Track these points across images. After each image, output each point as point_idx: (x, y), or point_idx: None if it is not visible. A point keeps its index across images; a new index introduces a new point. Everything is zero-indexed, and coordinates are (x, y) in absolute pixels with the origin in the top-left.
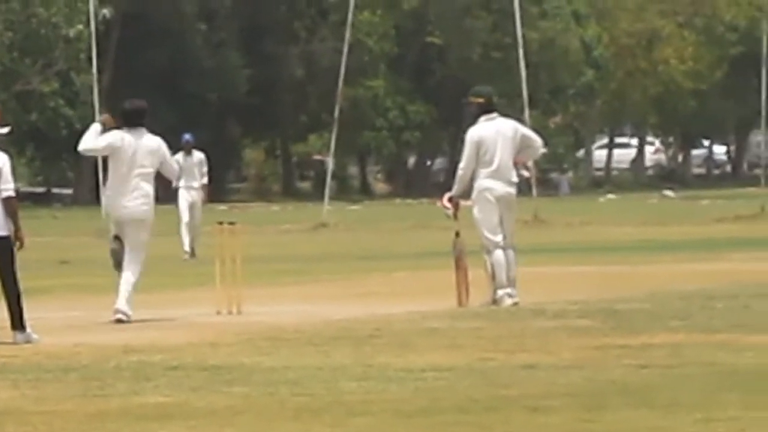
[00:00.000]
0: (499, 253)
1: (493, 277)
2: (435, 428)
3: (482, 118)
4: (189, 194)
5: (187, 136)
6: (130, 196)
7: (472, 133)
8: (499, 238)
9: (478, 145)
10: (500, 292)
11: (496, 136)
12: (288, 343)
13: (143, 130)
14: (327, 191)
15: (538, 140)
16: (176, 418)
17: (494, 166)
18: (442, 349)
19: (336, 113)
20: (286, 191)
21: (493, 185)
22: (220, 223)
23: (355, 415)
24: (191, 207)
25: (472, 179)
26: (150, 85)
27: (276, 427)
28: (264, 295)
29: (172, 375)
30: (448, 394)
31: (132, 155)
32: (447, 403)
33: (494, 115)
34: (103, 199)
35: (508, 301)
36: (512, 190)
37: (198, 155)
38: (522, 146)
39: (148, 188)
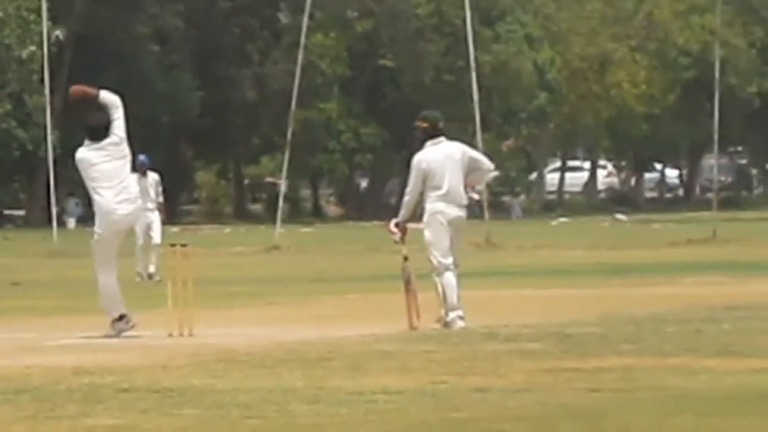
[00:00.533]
0: (449, 275)
1: (445, 299)
2: None
3: (428, 143)
4: (144, 215)
5: (142, 158)
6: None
7: (417, 159)
8: (449, 260)
9: (425, 171)
10: (452, 315)
11: (444, 160)
12: (239, 365)
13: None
14: (279, 213)
15: (486, 162)
16: None
17: (444, 190)
18: (394, 372)
19: (288, 135)
20: (238, 213)
21: (444, 208)
22: (173, 245)
23: None
24: (148, 228)
25: (419, 203)
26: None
27: None
28: (216, 318)
29: (123, 397)
30: (399, 417)
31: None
32: (398, 426)
33: (441, 139)
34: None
35: (460, 324)
36: (463, 213)
37: (153, 176)
38: (471, 169)
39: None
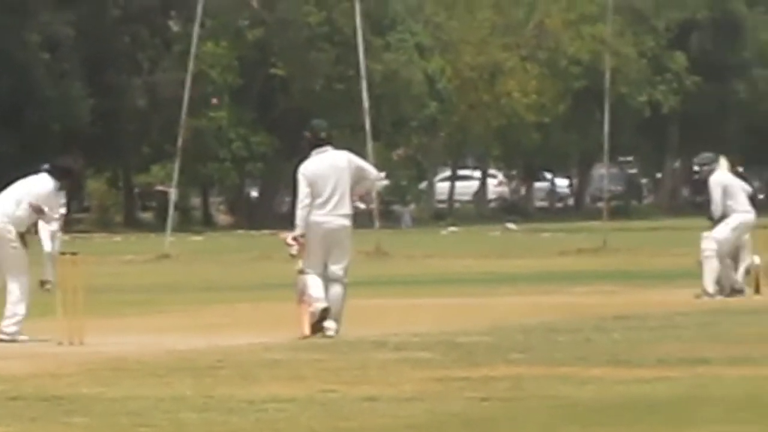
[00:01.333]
0: (313, 276)
1: (309, 301)
2: None
3: (313, 152)
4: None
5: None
6: None
7: (302, 168)
8: (318, 271)
9: (310, 180)
10: (317, 305)
11: (328, 170)
12: (130, 373)
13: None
14: (169, 222)
15: (373, 172)
16: None
17: (324, 199)
18: (284, 381)
19: (179, 144)
20: (128, 222)
21: (322, 219)
22: (63, 253)
23: None
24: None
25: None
26: None
27: None
28: (106, 326)
29: (12, 405)
30: (290, 426)
31: None
32: None
33: (326, 148)
34: None
35: (329, 333)
36: (345, 222)
37: None
38: (358, 178)
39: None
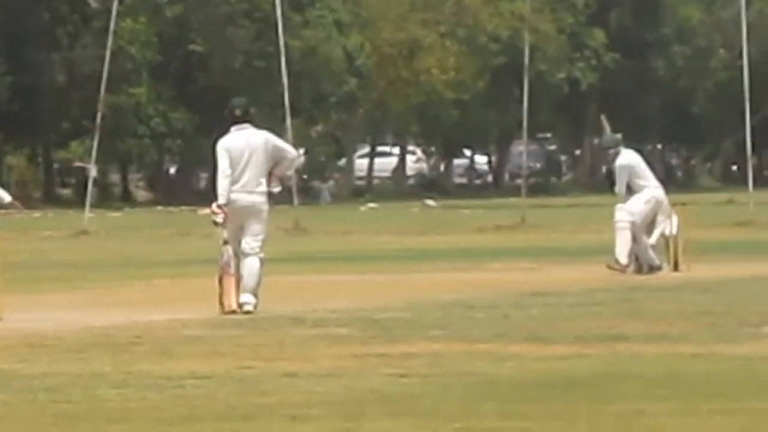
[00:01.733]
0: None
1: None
2: None
3: (233, 128)
4: None
5: None
6: None
7: (221, 143)
8: (233, 246)
9: (228, 154)
10: (243, 297)
11: (243, 147)
12: (47, 350)
13: None
14: (88, 198)
15: (291, 151)
16: None
17: (238, 176)
18: (202, 357)
19: (98, 120)
20: (47, 198)
21: (236, 197)
22: None
23: (113, 423)
24: None
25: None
26: None
27: None
28: (24, 302)
29: None
30: (207, 402)
31: None
32: (206, 410)
33: (245, 125)
34: None
35: (247, 308)
36: (259, 199)
37: None
38: (276, 158)
39: None
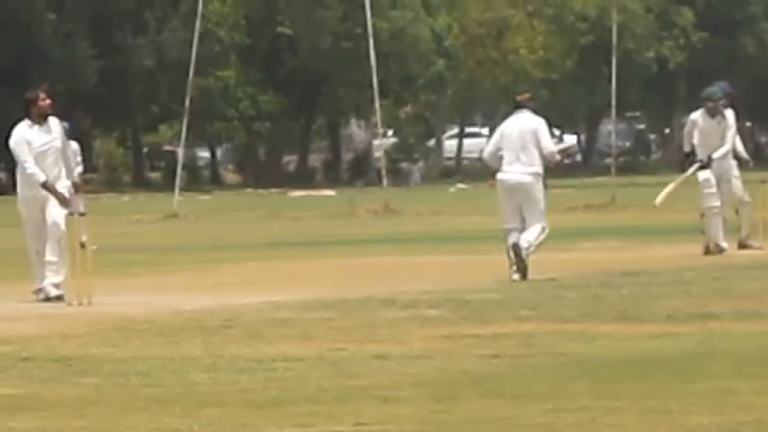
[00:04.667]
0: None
1: None
2: (285, 419)
3: (515, 111)
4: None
5: (65, 125)
6: None
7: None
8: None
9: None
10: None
11: (515, 131)
12: (138, 333)
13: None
14: (178, 181)
15: (547, 146)
16: (26, 410)
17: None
18: (293, 340)
19: (186, 103)
20: (136, 182)
21: (503, 177)
22: (71, 213)
23: (205, 406)
24: (70, 197)
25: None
26: None
27: (126, 418)
28: (115, 286)
29: (23, 366)
30: (299, 385)
31: None
32: (297, 393)
33: (523, 111)
34: None
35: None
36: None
37: (73, 145)
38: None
39: None
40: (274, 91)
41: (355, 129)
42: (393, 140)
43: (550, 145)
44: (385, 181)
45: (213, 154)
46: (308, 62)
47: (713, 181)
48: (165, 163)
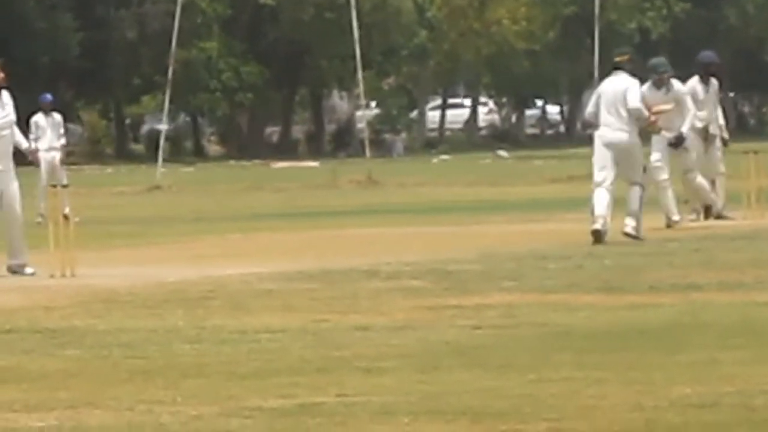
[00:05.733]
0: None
1: None
2: (268, 390)
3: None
4: (50, 155)
5: (48, 96)
6: None
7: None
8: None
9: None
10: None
11: (611, 92)
12: (121, 305)
13: None
14: (161, 153)
15: (633, 102)
16: (9, 382)
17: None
18: (276, 311)
19: (169, 75)
20: (119, 153)
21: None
22: (54, 185)
23: (188, 377)
24: (53, 169)
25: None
26: None
27: (109, 389)
28: (97, 258)
29: (5, 338)
30: (282, 356)
31: None
32: (280, 364)
33: (619, 72)
34: None
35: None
36: (627, 137)
37: (57, 116)
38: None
39: None
40: (257, 63)
41: (338, 100)
42: (376, 111)
43: (634, 102)
44: (368, 152)
45: (195, 125)
46: (290, 33)
47: (660, 154)
48: (146, 135)
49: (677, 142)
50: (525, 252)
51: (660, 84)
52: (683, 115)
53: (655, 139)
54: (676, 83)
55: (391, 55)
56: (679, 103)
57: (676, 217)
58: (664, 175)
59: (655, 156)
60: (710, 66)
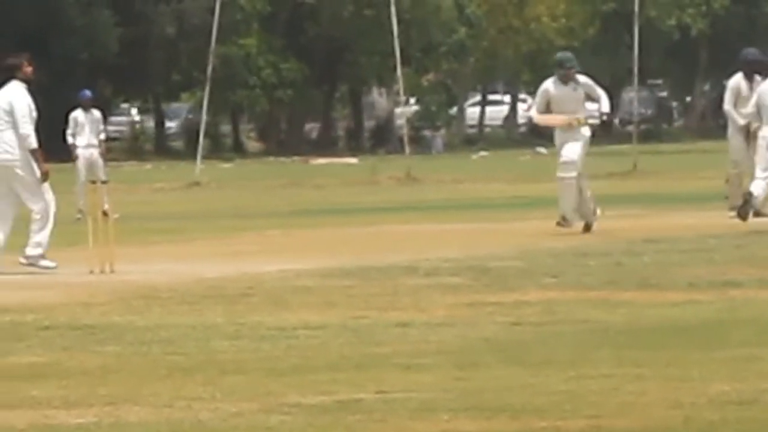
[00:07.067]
0: None
1: None
2: (307, 386)
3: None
4: (88, 152)
5: (87, 93)
6: None
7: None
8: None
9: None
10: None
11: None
12: (161, 302)
13: (11, 83)
14: (200, 149)
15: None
16: (49, 378)
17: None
18: (315, 307)
19: (208, 71)
20: (158, 150)
21: None
22: (93, 181)
23: (227, 374)
24: (92, 165)
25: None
26: (20, 45)
27: (148, 386)
28: (137, 254)
29: (45, 335)
30: (321, 353)
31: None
32: (319, 361)
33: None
34: None
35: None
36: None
37: (96, 112)
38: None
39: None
40: (296, 59)
41: (377, 97)
42: (415, 108)
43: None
44: (407, 149)
45: (235, 122)
46: (330, 30)
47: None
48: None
49: (603, 120)
50: (564, 248)
51: (566, 80)
52: (584, 107)
53: (577, 134)
54: (581, 78)
55: (430, 51)
56: (584, 97)
57: (569, 216)
58: (573, 173)
59: (569, 151)
60: (755, 63)
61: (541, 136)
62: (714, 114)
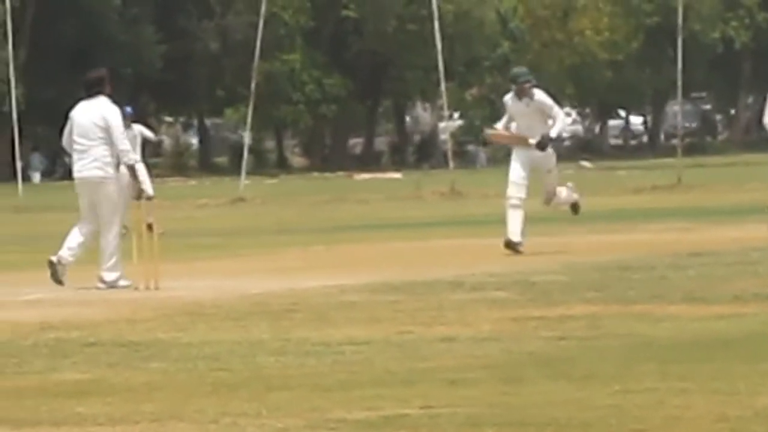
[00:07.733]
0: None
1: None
2: (353, 402)
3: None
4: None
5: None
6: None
7: None
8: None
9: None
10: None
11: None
12: (205, 318)
13: (100, 98)
14: (244, 165)
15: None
16: (94, 395)
17: None
18: (360, 323)
19: (252, 87)
20: (203, 166)
21: None
22: (138, 198)
23: (273, 390)
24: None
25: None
26: (65, 61)
27: (194, 402)
28: (181, 270)
29: (90, 351)
30: (366, 368)
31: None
32: (365, 376)
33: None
34: None
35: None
36: None
37: (137, 128)
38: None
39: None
40: (340, 75)
41: (421, 112)
42: (459, 122)
43: None
44: (451, 164)
45: (279, 138)
46: (373, 45)
47: (521, 171)
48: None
49: (542, 144)
50: (608, 262)
51: (521, 94)
52: (546, 124)
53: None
54: (537, 92)
55: (474, 66)
56: (542, 113)
57: (516, 239)
58: (521, 194)
59: (515, 172)
60: None
61: (585, 149)
62: (758, 126)
